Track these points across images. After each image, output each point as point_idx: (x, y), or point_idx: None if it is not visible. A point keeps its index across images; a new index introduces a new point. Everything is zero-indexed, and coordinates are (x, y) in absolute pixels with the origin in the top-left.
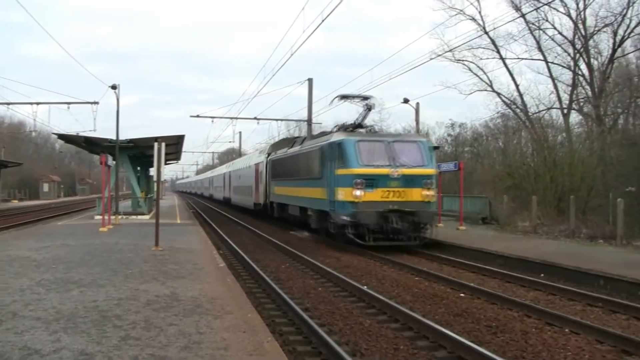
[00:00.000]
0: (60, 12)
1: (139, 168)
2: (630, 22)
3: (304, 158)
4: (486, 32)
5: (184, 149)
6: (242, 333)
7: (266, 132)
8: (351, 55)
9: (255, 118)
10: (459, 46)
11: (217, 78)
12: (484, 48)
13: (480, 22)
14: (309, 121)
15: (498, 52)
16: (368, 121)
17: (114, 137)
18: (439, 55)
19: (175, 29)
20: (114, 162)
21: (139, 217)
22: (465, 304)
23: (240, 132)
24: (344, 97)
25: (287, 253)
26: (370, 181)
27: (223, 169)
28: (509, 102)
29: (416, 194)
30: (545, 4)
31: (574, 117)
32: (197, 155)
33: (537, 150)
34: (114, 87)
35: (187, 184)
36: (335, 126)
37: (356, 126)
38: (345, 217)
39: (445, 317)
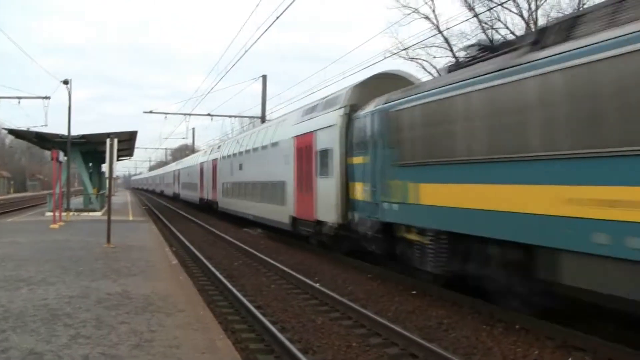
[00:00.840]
0: (8, 4)
1: (91, 164)
2: None
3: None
4: (440, 31)
5: (136, 145)
6: (194, 331)
7: (220, 129)
8: (304, 53)
9: (209, 114)
10: (414, 45)
11: (171, 74)
12: (437, 47)
13: (434, 21)
14: (263, 118)
15: (451, 50)
16: None
17: (66, 133)
18: (394, 54)
19: (129, 23)
20: (66, 158)
21: (91, 213)
22: None
23: (193, 129)
24: None
25: (239, 250)
26: None
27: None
28: None
29: None
30: (499, 4)
31: None
32: (150, 152)
33: None
34: (65, 82)
35: (139, 180)
36: None
37: None
38: None
39: None
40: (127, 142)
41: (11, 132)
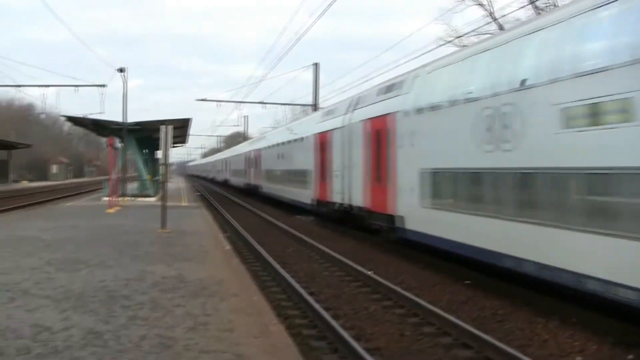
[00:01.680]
0: None
1: (145, 151)
2: None
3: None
4: (494, 19)
5: (190, 132)
6: (248, 315)
7: (272, 116)
8: (356, 42)
9: (261, 102)
10: (467, 33)
11: (222, 62)
12: (492, 34)
13: (488, 8)
14: (315, 106)
15: None
16: None
17: (121, 120)
18: (448, 42)
19: (181, 13)
20: (122, 145)
21: (146, 199)
22: None
23: (246, 116)
24: None
25: (292, 237)
26: None
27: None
28: None
29: None
30: None
31: None
32: (203, 139)
33: None
34: (121, 70)
35: (194, 167)
36: None
37: None
38: None
39: None
40: (181, 129)
41: (69, 119)
